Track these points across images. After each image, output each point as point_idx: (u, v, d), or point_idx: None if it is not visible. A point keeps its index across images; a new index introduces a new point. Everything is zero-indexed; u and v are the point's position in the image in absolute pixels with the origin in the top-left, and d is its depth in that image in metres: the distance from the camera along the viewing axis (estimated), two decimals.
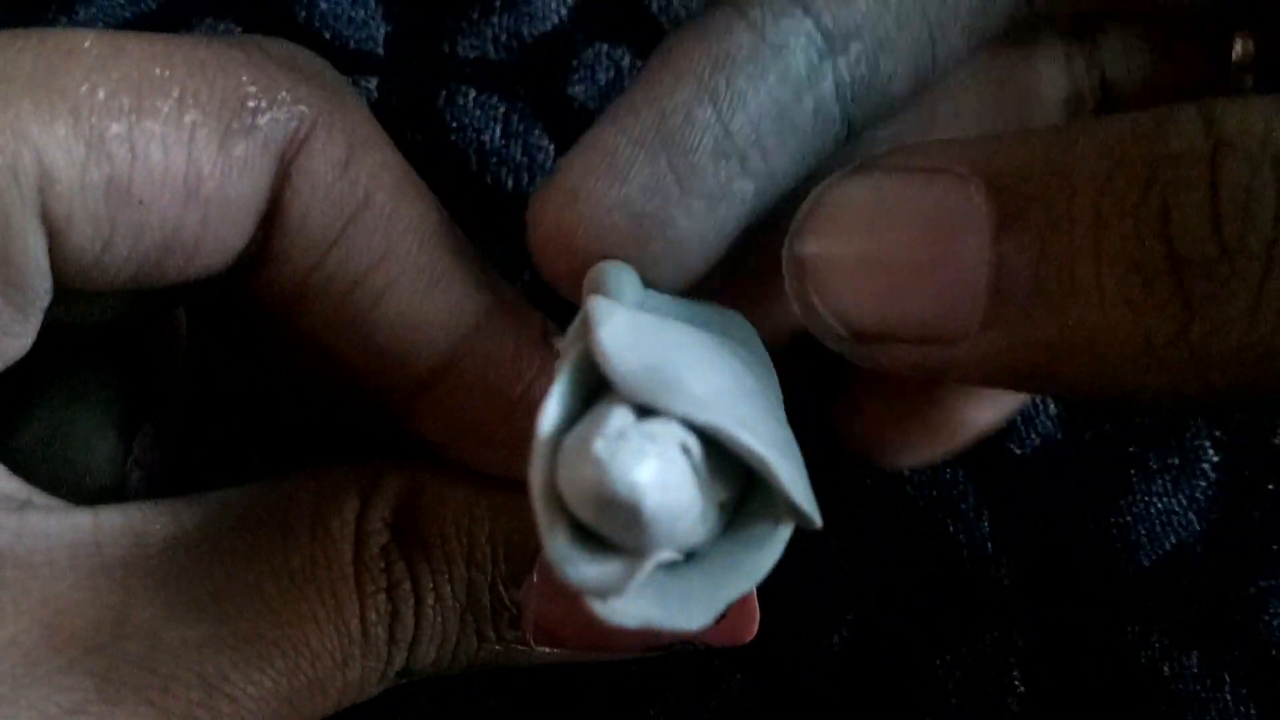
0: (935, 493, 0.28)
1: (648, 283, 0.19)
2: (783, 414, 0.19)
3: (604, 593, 0.16)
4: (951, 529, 0.28)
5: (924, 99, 0.21)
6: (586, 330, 0.17)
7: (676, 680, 0.26)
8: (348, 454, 0.22)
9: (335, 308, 0.20)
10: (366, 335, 0.21)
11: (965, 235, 0.16)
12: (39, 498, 0.20)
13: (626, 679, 0.26)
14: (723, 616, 0.19)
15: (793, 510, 0.17)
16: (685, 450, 0.16)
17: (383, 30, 0.29)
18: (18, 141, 0.18)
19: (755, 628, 0.21)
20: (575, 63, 0.31)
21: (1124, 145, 0.16)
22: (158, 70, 0.19)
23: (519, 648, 0.21)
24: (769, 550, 0.17)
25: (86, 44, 0.19)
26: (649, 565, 0.16)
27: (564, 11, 0.31)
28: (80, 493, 0.21)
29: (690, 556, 0.17)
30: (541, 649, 0.21)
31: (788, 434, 0.18)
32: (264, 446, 0.25)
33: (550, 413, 0.16)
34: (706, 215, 0.19)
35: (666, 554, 0.16)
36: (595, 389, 0.17)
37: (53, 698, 0.18)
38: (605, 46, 0.31)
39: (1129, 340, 0.15)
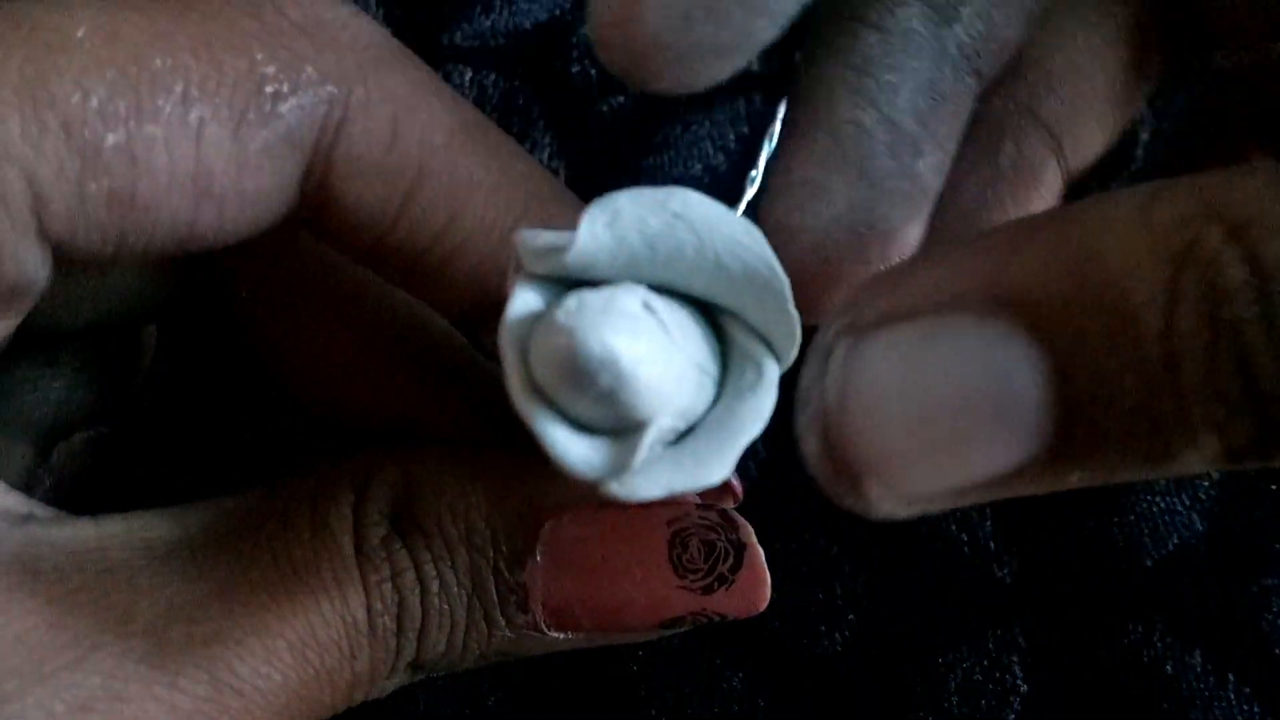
0: None
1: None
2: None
3: (616, 471, 0.16)
4: (954, 528, 0.28)
5: (1035, 56, 0.22)
6: (512, 248, 0.17)
7: (678, 680, 0.26)
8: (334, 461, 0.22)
9: (406, 269, 0.20)
10: (440, 288, 0.20)
11: (1019, 391, 0.15)
12: (40, 510, 0.20)
13: (628, 678, 0.26)
14: (734, 581, 0.20)
15: (766, 343, 0.17)
16: (648, 307, 0.16)
17: None
18: (5, 162, 0.17)
19: (768, 595, 0.21)
20: (574, 39, 0.31)
21: (1166, 255, 0.14)
22: (158, 61, 0.17)
23: (531, 633, 0.21)
24: (763, 391, 0.17)
25: (80, 34, 0.17)
26: (652, 431, 0.16)
27: (566, 4, 0.31)
28: None
29: (689, 431, 0.17)
30: (555, 634, 0.21)
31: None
32: (211, 470, 0.24)
33: (513, 309, 0.16)
34: None
35: (665, 421, 0.16)
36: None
37: (59, 695, 0.18)
38: None
39: (1208, 453, 0.15)
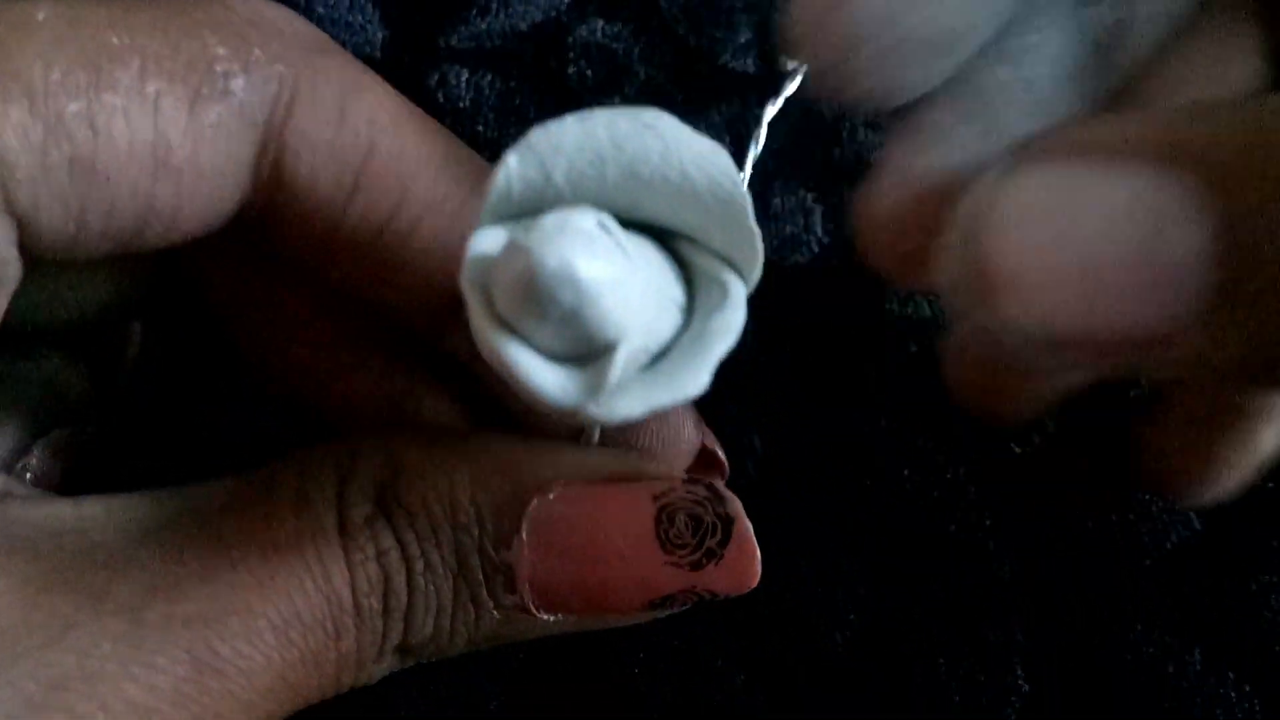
0: (936, 491, 0.28)
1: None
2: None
3: (592, 393, 0.16)
4: (952, 527, 0.28)
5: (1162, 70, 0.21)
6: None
7: (678, 677, 0.26)
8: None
9: (363, 255, 0.21)
10: (396, 273, 0.21)
11: (1173, 226, 0.15)
12: (18, 489, 0.20)
13: (628, 677, 0.26)
14: (723, 557, 0.20)
15: (729, 264, 0.17)
16: (602, 227, 0.16)
17: (380, 35, 0.29)
18: None
19: (758, 570, 0.21)
20: (570, 40, 0.31)
21: None
22: (115, 39, 0.18)
23: (519, 615, 0.21)
24: (730, 307, 0.17)
25: (41, 17, 0.18)
26: (624, 349, 0.16)
27: (562, 5, 0.31)
28: None
29: (661, 357, 0.17)
30: (544, 616, 0.21)
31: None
32: (196, 466, 0.24)
33: (472, 249, 0.16)
34: None
35: (636, 340, 0.16)
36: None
37: (33, 674, 0.17)
38: (601, 22, 0.31)
39: None
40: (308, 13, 0.29)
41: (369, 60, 0.29)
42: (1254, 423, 0.24)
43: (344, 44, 0.29)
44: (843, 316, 0.31)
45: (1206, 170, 0.15)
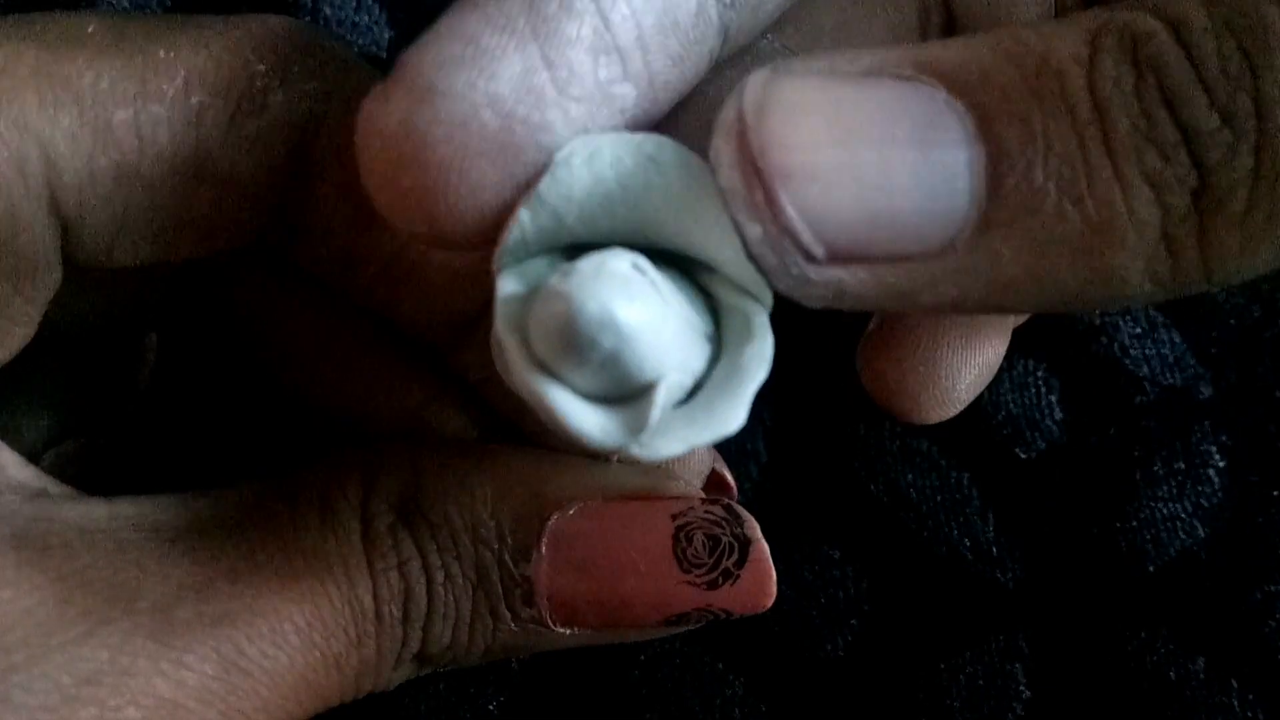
0: (939, 497, 0.28)
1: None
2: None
3: (634, 434, 0.16)
4: (956, 533, 0.28)
5: (804, 11, 0.20)
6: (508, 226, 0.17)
7: (679, 684, 0.26)
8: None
9: (385, 267, 0.21)
10: (416, 286, 0.21)
11: (943, 140, 0.15)
12: (54, 487, 0.20)
13: (629, 682, 0.26)
14: (739, 577, 0.21)
15: (749, 292, 0.17)
16: (637, 269, 0.16)
17: (387, 35, 0.29)
18: (23, 135, 0.18)
19: (774, 592, 0.21)
20: None
21: (1097, 30, 0.15)
22: (162, 53, 0.19)
23: (537, 628, 0.21)
24: (758, 337, 0.17)
25: (90, 29, 0.19)
26: (663, 389, 0.16)
27: None
28: None
29: (695, 391, 0.17)
30: (561, 630, 0.21)
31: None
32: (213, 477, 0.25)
33: (503, 290, 0.16)
34: (586, 122, 0.16)
35: (674, 377, 0.16)
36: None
37: (66, 668, 0.18)
38: None
39: (1147, 222, 0.15)
40: (314, 14, 0.29)
41: (375, 61, 0.29)
42: (979, 337, 0.24)
43: (351, 44, 0.30)
44: (845, 320, 0.31)
45: (954, 79, 0.15)
